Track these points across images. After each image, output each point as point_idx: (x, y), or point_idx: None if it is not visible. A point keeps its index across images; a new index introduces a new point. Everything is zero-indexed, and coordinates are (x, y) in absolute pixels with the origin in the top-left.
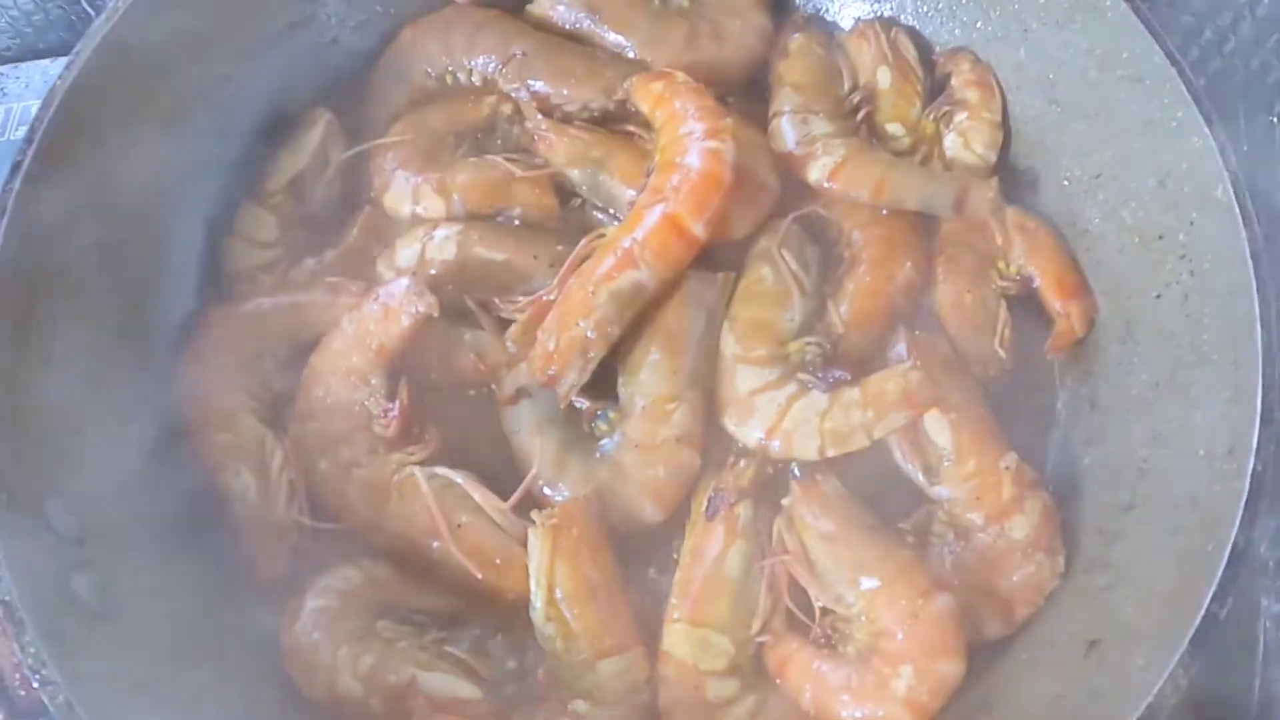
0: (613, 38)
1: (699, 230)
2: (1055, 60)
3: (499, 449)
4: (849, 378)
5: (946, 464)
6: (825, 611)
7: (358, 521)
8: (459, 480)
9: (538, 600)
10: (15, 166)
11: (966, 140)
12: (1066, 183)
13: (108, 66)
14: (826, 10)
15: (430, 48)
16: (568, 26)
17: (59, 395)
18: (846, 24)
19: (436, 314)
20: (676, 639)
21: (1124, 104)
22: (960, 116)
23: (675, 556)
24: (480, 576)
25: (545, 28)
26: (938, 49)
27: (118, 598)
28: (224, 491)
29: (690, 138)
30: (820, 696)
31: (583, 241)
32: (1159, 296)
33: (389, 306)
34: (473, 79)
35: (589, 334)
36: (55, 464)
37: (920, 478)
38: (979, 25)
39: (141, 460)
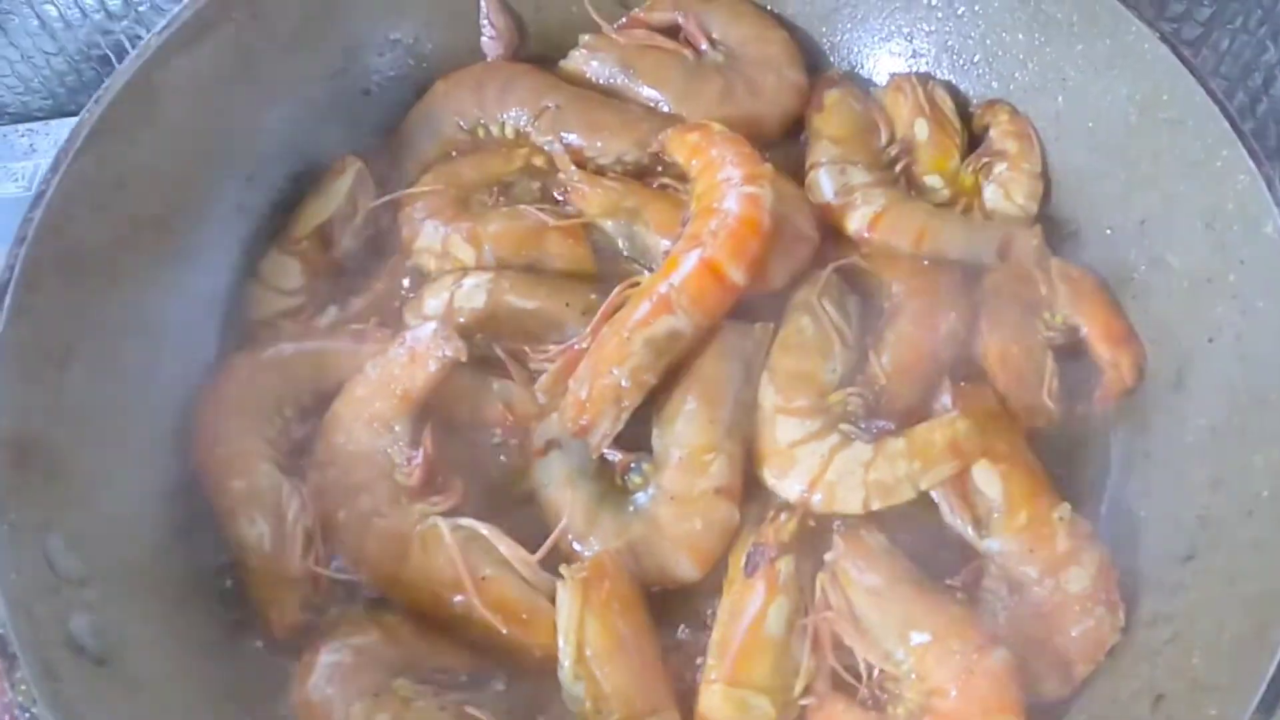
0: (647, 93)
1: (737, 276)
2: (1095, 108)
3: (527, 504)
4: (893, 428)
5: (996, 516)
6: (872, 671)
7: (377, 573)
8: (484, 532)
9: (566, 658)
10: (39, 196)
11: (1007, 191)
12: (1109, 231)
13: (135, 104)
14: (861, 67)
15: (463, 100)
16: (601, 82)
17: (70, 433)
18: (881, 80)
19: (464, 359)
20: (713, 701)
21: (1167, 148)
22: (1000, 168)
23: (712, 615)
24: (505, 632)
25: (578, 83)
26: (974, 102)
27: (119, 643)
28: (238, 540)
29: (728, 183)
30: None
31: (616, 289)
32: (1211, 340)
33: (415, 351)
34: (505, 132)
35: (623, 382)
36: (61, 501)
37: (969, 532)
38: (1016, 76)
39: (153, 505)
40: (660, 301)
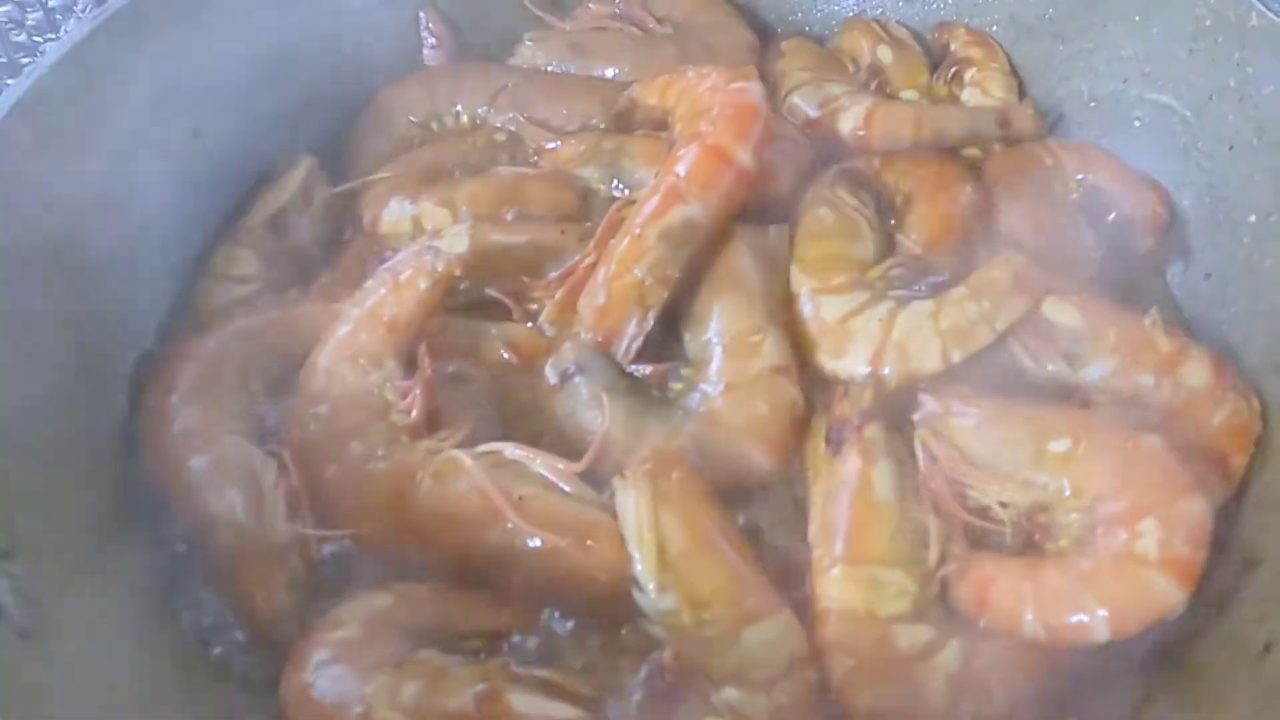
0: (602, 70)
1: (744, 157)
2: None
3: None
4: (947, 279)
5: (1085, 342)
6: (1013, 514)
7: (383, 525)
8: (511, 453)
9: (645, 565)
10: None
11: (984, 89)
12: (1094, 104)
13: (67, 82)
14: (810, 29)
15: (413, 97)
16: (553, 69)
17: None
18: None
19: (458, 273)
20: (836, 588)
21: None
22: (970, 72)
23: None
24: (558, 557)
25: None
26: (926, 33)
27: (45, 619)
28: (205, 519)
29: (714, 90)
30: (1048, 612)
31: (614, 207)
32: (1232, 148)
33: (400, 273)
34: (460, 121)
35: (644, 279)
36: None
37: (1063, 369)
38: None
39: (91, 496)
40: (670, 192)
